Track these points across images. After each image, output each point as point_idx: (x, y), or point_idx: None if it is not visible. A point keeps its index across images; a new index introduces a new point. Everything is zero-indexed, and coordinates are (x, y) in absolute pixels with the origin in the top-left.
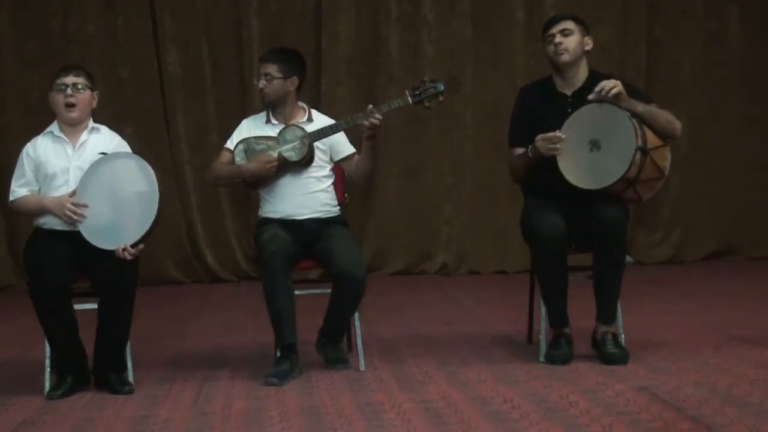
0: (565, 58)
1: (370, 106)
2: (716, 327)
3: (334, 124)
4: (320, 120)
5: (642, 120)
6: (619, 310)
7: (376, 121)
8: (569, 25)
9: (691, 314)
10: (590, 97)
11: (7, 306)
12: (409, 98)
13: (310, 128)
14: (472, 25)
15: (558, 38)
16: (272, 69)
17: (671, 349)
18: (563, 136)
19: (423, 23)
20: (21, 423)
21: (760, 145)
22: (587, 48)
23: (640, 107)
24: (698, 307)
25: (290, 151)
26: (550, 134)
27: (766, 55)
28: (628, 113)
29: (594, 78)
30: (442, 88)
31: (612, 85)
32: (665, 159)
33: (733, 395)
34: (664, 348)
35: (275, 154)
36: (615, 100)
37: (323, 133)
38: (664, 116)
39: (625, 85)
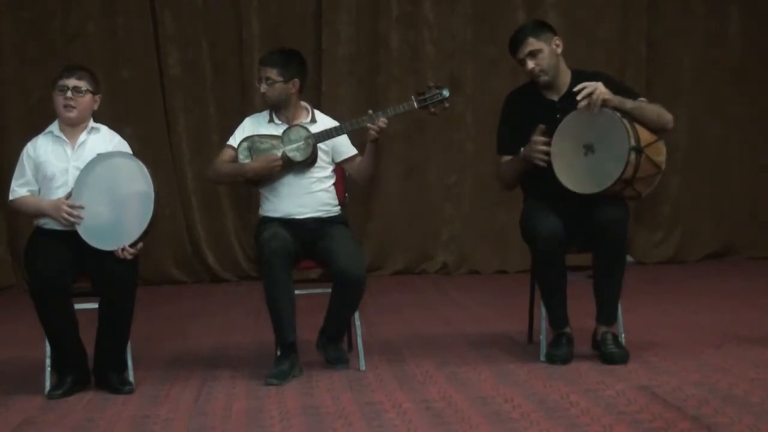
0: (545, 78)
1: (370, 111)
2: (716, 327)
3: (339, 126)
4: (323, 120)
5: (632, 117)
6: (620, 310)
7: (383, 125)
8: (532, 44)
9: (692, 314)
10: (579, 106)
11: (7, 306)
12: (415, 103)
13: (313, 129)
14: (473, 25)
15: (530, 64)
16: (273, 73)
17: (671, 348)
18: (547, 157)
19: (423, 23)
20: (21, 423)
21: (760, 145)
22: (559, 51)
23: (628, 104)
24: (698, 307)
25: (295, 151)
26: (545, 141)
27: (766, 55)
28: (617, 113)
29: (578, 79)
30: (448, 94)
31: (596, 95)
32: (660, 153)
33: (733, 395)
34: (664, 348)
35: (279, 154)
36: (602, 104)
37: (328, 134)
38: (655, 110)
39: (610, 81)
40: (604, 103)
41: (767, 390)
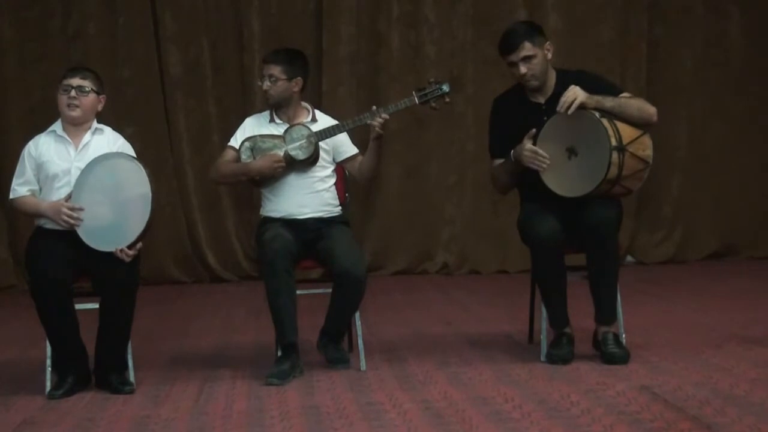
0: (534, 83)
1: (374, 107)
2: (717, 327)
3: (340, 124)
4: (324, 120)
5: (613, 114)
6: (620, 310)
7: (382, 120)
8: (528, 49)
9: (692, 314)
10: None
11: (7, 306)
12: (416, 99)
13: (314, 128)
14: (473, 25)
15: (522, 68)
16: (276, 71)
17: (672, 348)
18: (548, 161)
19: (424, 23)
20: (22, 423)
21: (761, 145)
22: (550, 56)
23: (608, 102)
24: (699, 307)
25: (297, 149)
26: (542, 152)
27: (766, 55)
28: (597, 114)
29: (563, 79)
30: (448, 89)
31: (571, 99)
32: (647, 148)
33: (734, 395)
34: (665, 348)
35: (282, 153)
36: (581, 107)
37: (329, 132)
38: (636, 105)
39: (592, 80)
40: (583, 106)
41: None
